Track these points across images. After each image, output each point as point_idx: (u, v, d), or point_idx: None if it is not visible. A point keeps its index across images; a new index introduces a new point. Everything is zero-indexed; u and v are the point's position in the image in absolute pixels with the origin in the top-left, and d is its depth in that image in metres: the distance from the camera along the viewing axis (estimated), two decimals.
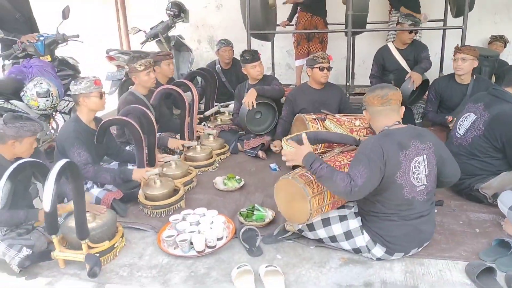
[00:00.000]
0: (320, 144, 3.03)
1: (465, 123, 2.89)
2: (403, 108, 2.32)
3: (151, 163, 3.20)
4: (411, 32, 4.09)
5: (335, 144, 2.76)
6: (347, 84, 4.47)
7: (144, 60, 3.49)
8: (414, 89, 3.95)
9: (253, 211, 2.75)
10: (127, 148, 3.45)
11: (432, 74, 4.52)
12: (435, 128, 3.82)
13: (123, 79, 4.79)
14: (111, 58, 5.07)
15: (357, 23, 4.39)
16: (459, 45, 3.66)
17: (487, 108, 2.75)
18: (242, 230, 2.52)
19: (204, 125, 4.30)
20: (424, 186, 2.20)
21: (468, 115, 2.89)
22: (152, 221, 2.77)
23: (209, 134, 3.85)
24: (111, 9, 6.85)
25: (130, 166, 3.15)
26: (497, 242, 2.36)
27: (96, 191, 2.87)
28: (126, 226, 2.70)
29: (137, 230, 2.70)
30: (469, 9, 3.98)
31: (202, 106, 4.57)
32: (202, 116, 4.40)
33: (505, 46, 5.08)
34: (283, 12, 5.48)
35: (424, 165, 2.19)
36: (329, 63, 3.60)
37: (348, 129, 3.23)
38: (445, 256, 2.33)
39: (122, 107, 3.36)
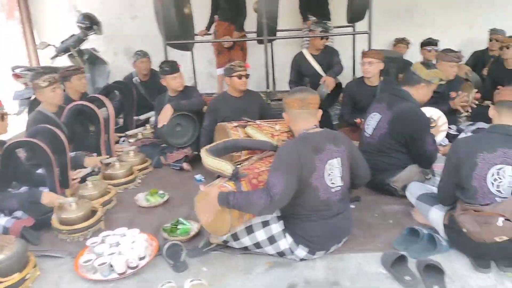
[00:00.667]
0: (242, 152, 3.07)
1: (371, 122, 3.07)
2: (320, 112, 2.40)
3: (65, 184, 3.02)
4: (322, 38, 4.28)
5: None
6: (268, 90, 4.57)
7: (48, 76, 3.30)
8: (329, 92, 4.13)
9: (177, 226, 2.70)
10: (39, 170, 3.23)
11: (346, 77, 4.78)
12: (349, 128, 4.04)
13: (31, 98, 4.49)
14: (17, 76, 4.75)
15: (269, 30, 4.51)
16: (365, 50, 3.89)
17: (390, 107, 2.95)
18: (166, 246, 2.45)
19: (124, 141, 4.16)
20: (339, 187, 2.30)
21: (374, 115, 3.07)
22: (68, 246, 2.60)
23: (129, 151, 3.73)
24: (16, 24, 6.41)
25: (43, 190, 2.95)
26: (408, 231, 2.53)
27: (3, 221, 2.64)
28: (40, 255, 2.51)
29: (52, 257, 2.52)
30: (362, 18, 4.25)
31: (121, 121, 4.42)
32: (124, 134, 4.25)
33: (408, 48, 5.49)
34: (201, 21, 5.49)
35: (338, 168, 2.28)
36: (246, 70, 3.66)
37: (269, 134, 3.30)
38: (364, 249, 2.45)
39: (30, 127, 3.15)
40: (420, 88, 2.92)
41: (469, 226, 2.13)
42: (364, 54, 3.79)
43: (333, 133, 2.42)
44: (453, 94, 3.87)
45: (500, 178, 2.12)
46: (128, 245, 2.44)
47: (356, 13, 4.52)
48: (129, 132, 4.29)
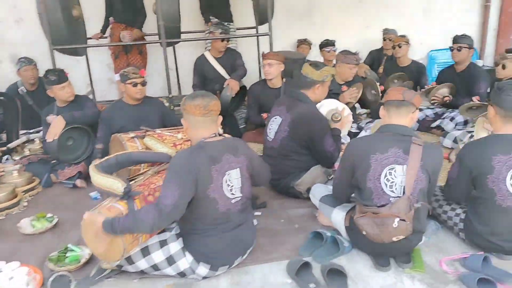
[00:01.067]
0: (142, 165, 2.85)
1: (273, 126, 3.03)
2: (221, 118, 2.29)
3: None
4: (223, 40, 4.17)
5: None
6: (170, 95, 4.36)
7: None
8: (233, 96, 4.04)
9: (65, 253, 2.40)
10: None
11: (253, 80, 4.72)
12: (256, 131, 3.99)
13: None
14: None
15: (170, 33, 4.32)
16: (264, 52, 3.86)
17: (289, 110, 2.93)
18: (51, 279, 2.16)
19: (8, 159, 3.69)
20: (239, 198, 2.19)
21: (275, 118, 3.03)
22: None
23: (12, 171, 3.30)
24: None
25: None
26: (312, 235, 2.51)
27: None
28: None
29: None
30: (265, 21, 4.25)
31: (4, 137, 3.92)
32: (5, 148, 3.77)
33: (310, 48, 5.61)
34: (95, 23, 5.11)
35: (237, 178, 2.18)
36: (142, 78, 3.42)
37: (171, 143, 3.10)
38: (269, 258, 2.37)
39: None
40: (316, 89, 2.93)
41: (368, 229, 2.15)
42: (264, 56, 3.76)
43: (233, 142, 2.31)
44: (344, 88, 3.99)
45: (392, 179, 2.16)
46: (4, 282, 2.11)
47: (264, 14, 4.46)
48: (11, 145, 3.80)
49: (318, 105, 3.08)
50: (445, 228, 2.55)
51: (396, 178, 2.15)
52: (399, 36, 5.03)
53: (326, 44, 5.14)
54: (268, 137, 3.08)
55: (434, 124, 4.32)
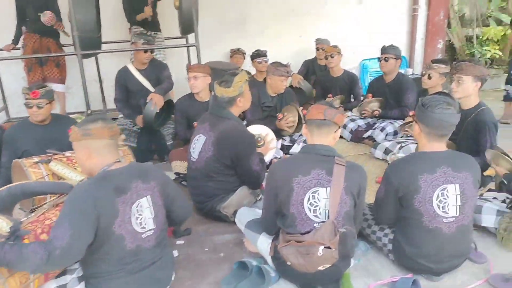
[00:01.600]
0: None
1: (197, 145, 2.81)
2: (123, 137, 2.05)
3: None
4: (146, 51, 3.90)
5: None
6: (89, 111, 4.01)
7: None
8: (158, 111, 3.77)
9: None
10: None
11: (185, 92, 4.45)
12: (185, 147, 3.72)
13: None
14: None
15: (89, 43, 3.98)
16: (190, 64, 3.63)
17: (212, 127, 2.72)
18: None
19: None
20: (152, 231, 1.95)
21: (199, 136, 2.81)
22: None
23: None
24: None
25: None
26: (237, 265, 2.30)
27: None
28: None
29: None
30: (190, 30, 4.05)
31: None
32: None
33: (244, 58, 5.45)
34: (5, 33, 4.64)
35: (149, 207, 1.94)
36: (37, 99, 3.01)
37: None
38: None
39: None
40: (239, 102, 2.75)
41: (293, 259, 1.98)
42: (189, 69, 3.54)
43: (142, 167, 2.06)
44: (280, 115, 3.87)
45: (316, 202, 2.01)
46: None
47: (187, 24, 4.24)
48: None
49: None
50: (375, 248, 2.45)
51: (320, 202, 2.01)
52: (332, 46, 4.99)
53: (258, 55, 4.99)
54: (192, 157, 2.86)
55: (366, 135, 4.30)
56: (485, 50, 6.58)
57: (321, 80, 5.11)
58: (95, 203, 1.77)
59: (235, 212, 2.67)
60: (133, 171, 1.97)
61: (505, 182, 2.56)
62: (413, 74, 6.43)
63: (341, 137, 4.42)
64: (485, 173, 2.61)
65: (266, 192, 2.18)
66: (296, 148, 3.87)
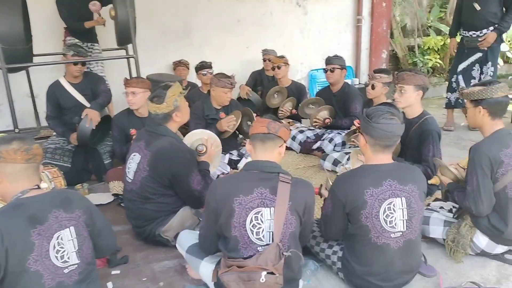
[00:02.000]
0: None
1: (132, 165, 2.59)
2: (42, 167, 1.83)
3: None
4: (75, 63, 3.62)
5: None
6: (15, 129, 3.66)
7: None
8: (94, 127, 3.51)
9: None
10: None
11: (126, 106, 4.20)
12: (124, 166, 3.48)
13: None
14: None
15: (17, 57, 3.66)
16: (127, 78, 3.40)
17: (148, 145, 2.52)
18: None
19: None
20: (75, 266, 1.73)
21: (134, 155, 2.59)
22: None
23: None
24: None
25: None
26: None
27: None
28: None
29: None
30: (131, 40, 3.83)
31: None
32: None
33: (188, 69, 5.26)
34: None
35: (72, 240, 1.73)
36: None
37: None
38: None
39: None
40: (175, 117, 2.56)
41: (234, 286, 1.81)
42: (126, 83, 3.30)
43: (64, 194, 1.83)
44: (222, 114, 3.72)
45: (259, 224, 1.86)
46: None
47: (125, 35, 3.99)
48: None
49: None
50: (324, 267, 2.33)
51: (263, 223, 1.86)
52: (278, 56, 4.92)
53: (202, 67, 4.82)
54: (127, 178, 2.63)
55: (315, 146, 4.24)
56: (427, 59, 6.80)
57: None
58: (2, 236, 1.54)
59: (177, 235, 2.47)
60: (54, 199, 1.75)
61: (449, 191, 2.55)
62: (359, 83, 6.51)
63: (290, 149, 4.40)
64: (430, 182, 2.58)
65: (205, 212, 2.01)
66: (244, 163, 3.72)
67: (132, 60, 4.43)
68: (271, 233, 1.86)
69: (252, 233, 1.86)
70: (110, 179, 3.31)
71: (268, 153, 1.99)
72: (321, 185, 2.52)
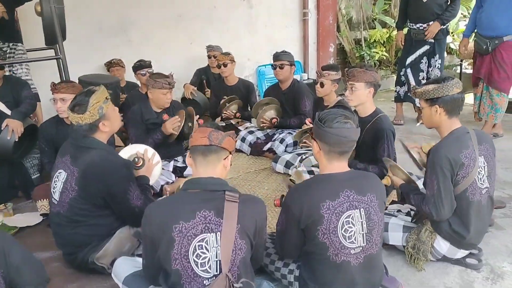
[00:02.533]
0: None
1: (57, 184, 2.25)
2: None
3: None
4: None
5: None
6: None
7: None
8: (17, 139, 3.09)
9: None
10: None
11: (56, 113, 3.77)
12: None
13: None
14: None
15: None
16: (55, 83, 2.97)
17: (74, 161, 2.19)
18: None
19: None
20: None
21: (59, 173, 2.25)
22: None
23: None
24: None
25: None
26: None
27: None
28: None
29: None
30: (63, 38, 3.41)
31: None
32: None
33: (125, 69, 4.85)
34: None
35: None
36: None
37: None
38: None
39: None
40: (103, 126, 2.24)
41: None
42: (53, 89, 2.90)
43: None
44: (165, 116, 3.42)
45: (204, 253, 1.61)
46: None
47: (50, 32, 3.55)
48: None
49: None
50: (280, 286, 2.13)
51: (209, 252, 1.62)
52: (224, 53, 4.66)
53: (140, 66, 4.44)
54: (53, 199, 2.28)
55: (266, 147, 4.03)
56: (373, 52, 6.79)
57: (216, 90, 4.76)
58: None
59: (113, 262, 2.17)
60: None
61: (402, 192, 2.43)
62: (308, 79, 6.38)
63: (240, 151, 4.17)
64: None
65: (142, 240, 1.73)
66: (190, 170, 3.45)
67: (69, 61, 4.00)
68: (218, 262, 1.62)
69: (197, 265, 1.61)
70: (37, 197, 2.92)
71: (211, 167, 1.75)
72: (282, 196, 2.30)
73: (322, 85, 3.47)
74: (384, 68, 7.10)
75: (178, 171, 3.51)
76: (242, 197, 1.72)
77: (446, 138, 2.21)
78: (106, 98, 2.22)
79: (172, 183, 3.38)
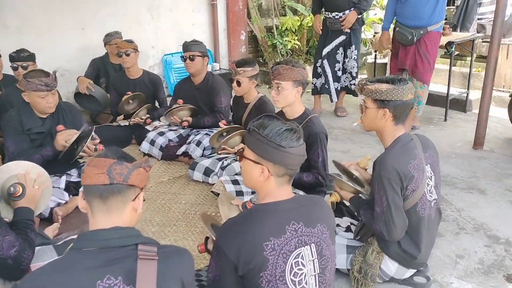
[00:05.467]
0: None
1: None
2: None
3: None
4: None
5: None
6: None
7: None
8: None
9: None
10: None
11: None
12: None
13: None
14: None
15: None
16: None
17: None
18: None
19: None
20: None
21: None
22: None
23: None
24: None
25: None
26: None
27: None
28: None
29: None
30: None
31: None
32: None
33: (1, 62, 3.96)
34: None
35: None
36: None
37: None
38: None
39: None
40: None
41: None
42: None
43: None
44: (60, 127, 2.74)
45: None
46: None
47: None
48: None
49: None
50: None
51: None
52: (125, 41, 4.01)
53: (12, 59, 3.55)
54: None
55: (180, 151, 3.53)
56: (286, 40, 6.55)
57: (116, 84, 4.10)
58: None
59: None
60: None
61: (352, 206, 2.16)
62: (220, 69, 5.95)
63: (150, 155, 3.61)
64: (329, 200, 2.16)
65: None
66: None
67: None
68: None
69: None
70: None
71: (116, 214, 1.25)
72: (207, 238, 1.86)
73: (239, 83, 3.07)
74: (297, 57, 6.91)
75: (73, 188, 2.88)
76: (163, 251, 1.26)
77: (392, 147, 1.95)
78: None
79: (65, 203, 2.76)
